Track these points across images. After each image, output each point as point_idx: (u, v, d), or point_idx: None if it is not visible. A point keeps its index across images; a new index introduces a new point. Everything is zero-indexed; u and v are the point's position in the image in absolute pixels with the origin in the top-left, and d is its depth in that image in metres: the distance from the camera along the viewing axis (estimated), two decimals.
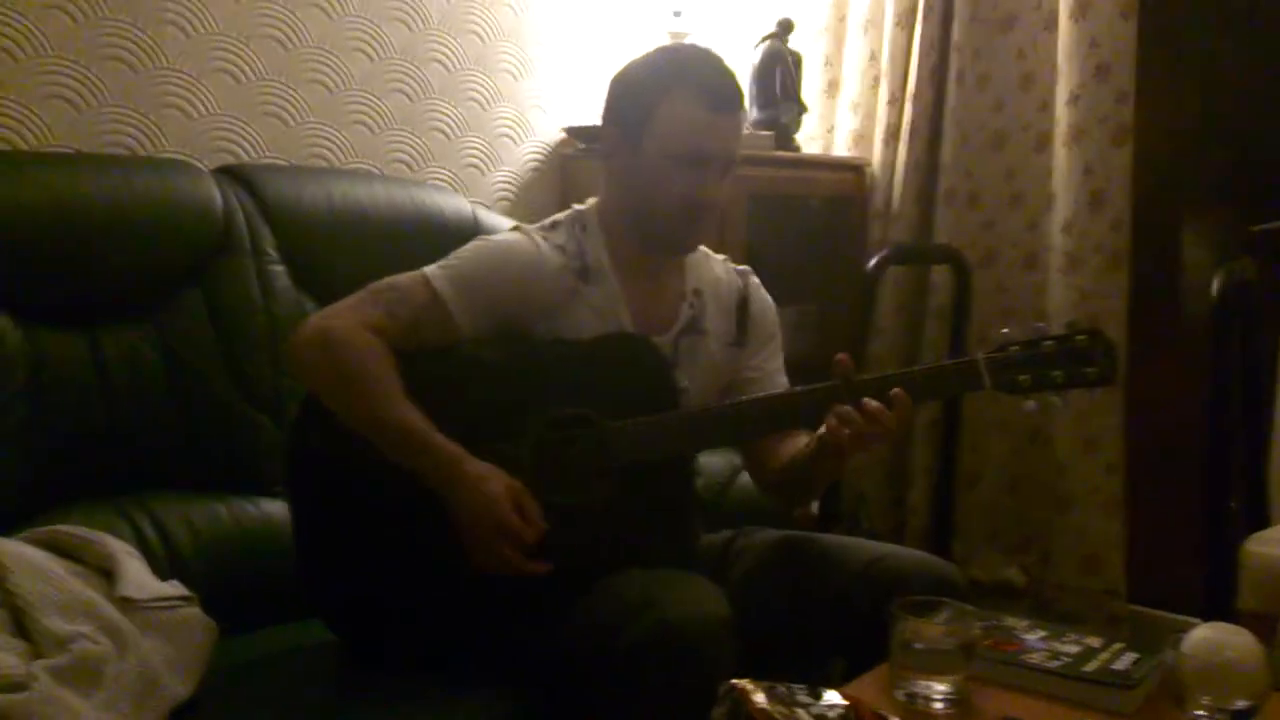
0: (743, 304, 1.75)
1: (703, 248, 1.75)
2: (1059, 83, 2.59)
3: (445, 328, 1.54)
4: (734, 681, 1.12)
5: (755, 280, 1.78)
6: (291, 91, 2.17)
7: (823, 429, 1.50)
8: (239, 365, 1.81)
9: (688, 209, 1.59)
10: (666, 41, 2.58)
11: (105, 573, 1.41)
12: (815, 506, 2.37)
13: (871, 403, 1.45)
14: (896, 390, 1.46)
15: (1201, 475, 2.15)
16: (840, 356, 1.50)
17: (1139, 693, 1.30)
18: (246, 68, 2.11)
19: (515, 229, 1.67)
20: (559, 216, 1.68)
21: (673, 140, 1.57)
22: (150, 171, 1.82)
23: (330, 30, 2.22)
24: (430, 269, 1.57)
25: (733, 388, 1.71)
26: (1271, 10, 2.66)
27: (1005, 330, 1.51)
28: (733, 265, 1.78)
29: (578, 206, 1.70)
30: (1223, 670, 1.22)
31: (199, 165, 1.94)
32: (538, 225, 1.66)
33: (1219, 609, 1.96)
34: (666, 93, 1.57)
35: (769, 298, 1.79)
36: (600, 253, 1.64)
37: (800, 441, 1.63)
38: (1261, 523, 2.15)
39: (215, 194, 1.84)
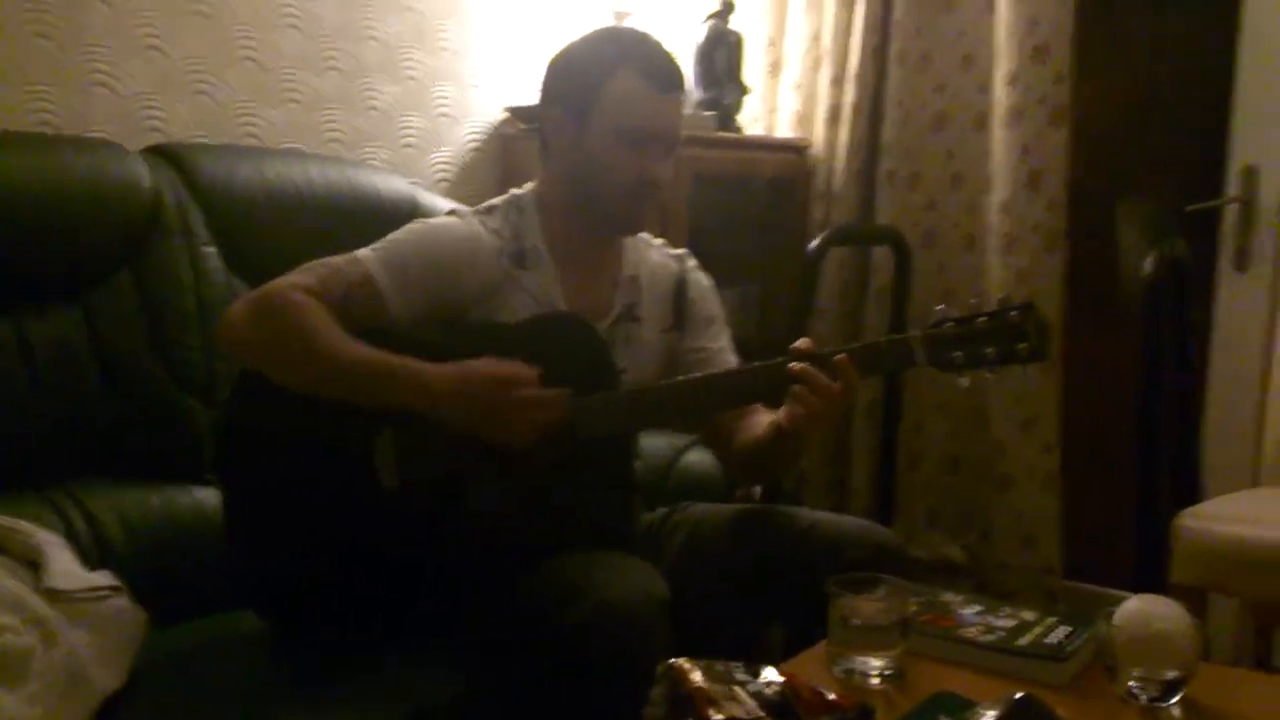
0: (679, 289, 1.75)
1: (644, 234, 1.75)
2: (998, 63, 2.61)
3: (376, 308, 1.52)
4: (672, 661, 1.12)
5: (693, 263, 1.78)
6: (222, 69, 2.13)
7: (779, 415, 1.52)
8: (170, 349, 1.77)
9: (634, 188, 1.60)
10: (610, 20, 2.56)
11: (31, 564, 1.37)
12: (757, 491, 2.38)
13: (818, 376, 1.46)
14: (840, 356, 1.47)
15: (1135, 452, 2.19)
16: (803, 342, 1.51)
17: (1072, 665, 1.31)
18: (176, 45, 2.06)
19: (451, 213, 1.65)
20: (495, 201, 1.67)
21: (620, 118, 1.57)
22: (76, 151, 1.77)
23: (261, 6, 2.17)
24: (364, 250, 1.55)
25: (677, 371, 1.71)
26: None
27: (939, 307, 1.53)
28: (670, 250, 1.78)
29: (515, 191, 1.69)
30: (1154, 642, 1.24)
31: (127, 146, 1.89)
32: (474, 209, 1.65)
33: (1151, 583, 2.00)
34: (613, 72, 1.58)
35: (706, 280, 1.79)
36: (537, 238, 1.63)
37: (762, 421, 1.63)
38: (1193, 498, 2.19)
39: (143, 174, 1.80)
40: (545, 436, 1.44)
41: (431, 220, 1.65)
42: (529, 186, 1.69)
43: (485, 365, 1.43)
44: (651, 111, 1.59)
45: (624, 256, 1.71)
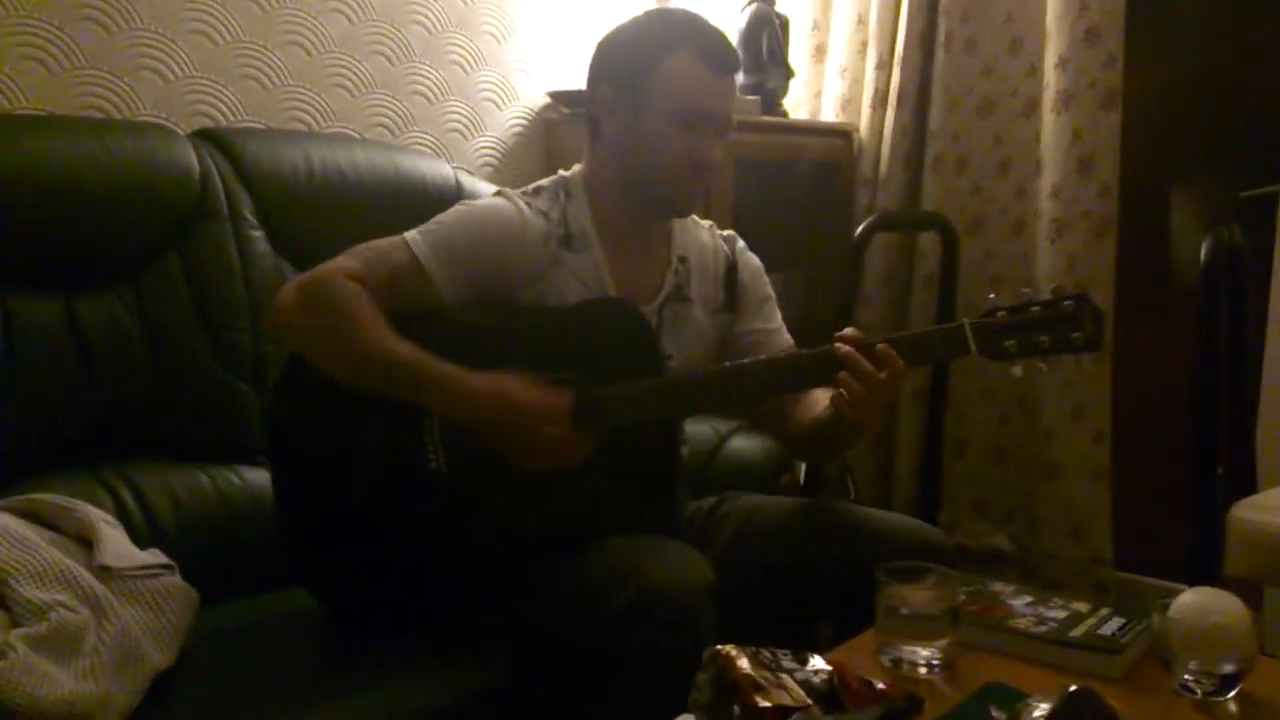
0: (731, 270, 1.73)
1: (691, 215, 1.74)
2: (1047, 46, 2.57)
3: (423, 291, 1.52)
4: (718, 647, 1.11)
5: (742, 245, 1.77)
6: (269, 53, 2.14)
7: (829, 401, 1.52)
8: (218, 331, 1.79)
9: (686, 170, 1.59)
10: (653, 4, 2.55)
11: (84, 541, 1.39)
12: (801, 475, 2.37)
13: (862, 363, 1.44)
14: (880, 345, 1.46)
15: (1188, 442, 2.15)
16: (849, 330, 1.50)
17: (1126, 657, 1.29)
18: (223, 29, 2.07)
19: (499, 194, 1.65)
20: (543, 182, 1.66)
21: (675, 99, 1.56)
22: (126, 135, 1.79)
23: None
24: (411, 233, 1.55)
25: (730, 354, 1.69)
26: None
27: (992, 295, 1.51)
28: (719, 231, 1.77)
29: (563, 172, 1.68)
30: (1210, 635, 1.21)
31: (175, 128, 1.91)
32: (521, 190, 1.64)
33: (1205, 575, 1.96)
34: (669, 51, 1.56)
35: (756, 260, 1.78)
36: (584, 220, 1.62)
37: (821, 399, 1.62)
38: (1248, 489, 2.15)
39: (192, 158, 1.81)
40: (561, 469, 1.44)
41: (478, 202, 1.65)
42: (577, 168, 1.68)
43: (523, 391, 1.43)
44: (708, 93, 1.58)
45: (673, 237, 1.70)
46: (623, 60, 1.61)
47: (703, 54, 1.57)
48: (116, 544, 1.40)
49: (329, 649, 1.51)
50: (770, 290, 1.77)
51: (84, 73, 1.91)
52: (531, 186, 1.65)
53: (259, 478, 1.74)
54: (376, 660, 1.42)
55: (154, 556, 1.44)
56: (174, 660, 1.35)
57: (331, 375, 1.47)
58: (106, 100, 1.94)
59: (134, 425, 1.71)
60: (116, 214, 1.72)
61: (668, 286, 1.67)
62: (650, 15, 1.68)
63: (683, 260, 1.69)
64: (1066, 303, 1.46)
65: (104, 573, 1.34)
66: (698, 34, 1.59)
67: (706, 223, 1.77)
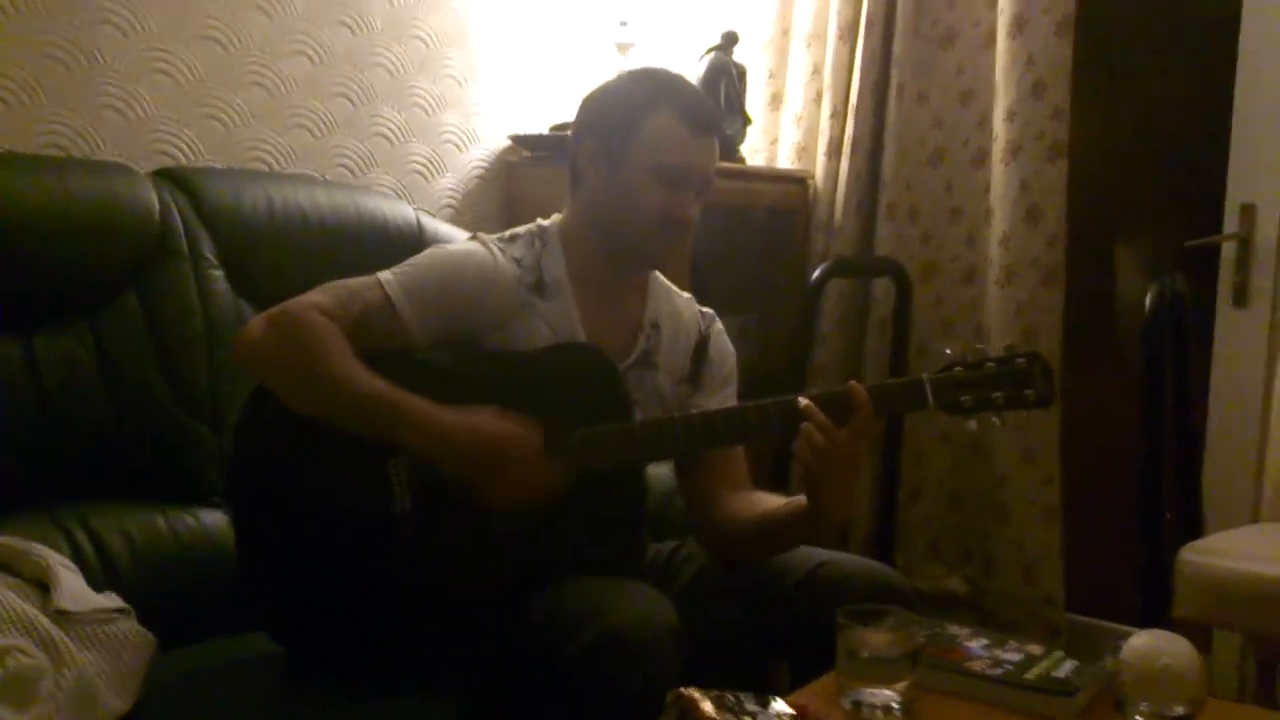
0: (701, 346, 1.75)
1: (670, 284, 1.76)
2: (996, 99, 2.64)
3: (394, 331, 1.52)
4: (681, 690, 1.12)
5: (719, 326, 1.79)
6: (231, 94, 2.14)
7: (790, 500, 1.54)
8: (176, 371, 1.77)
9: (663, 225, 1.60)
10: (612, 52, 2.59)
11: (40, 585, 1.37)
12: None
13: (820, 416, 1.46)
14: (852, 383, 1.48)
15: (1137, 486, 2.19)
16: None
17: (1079, 700, 1.32)
18: (185, 70, 2.08)
19: (473, 238, 1.66)
20: (519, 230, 1.67)
21: (656, 154, 1.58)
22: (86, 173, 1.78)
23: (271, 33, 2.19)
24: (384, 273, 1.56)
25: None
26: (1204, 28, 2.74)
27: (948, 351, 1.56)
28: (698, 306, 1.79)
29: (541, 221, 1.69)
30: (1161, 677, 1.25)
31: (136, 168, 1.90)
32: (496, 236, 1.65)
33: (1155, 618, 2.00)
34: (653, 109, 1.59)
35: (729, 344, 1.79)
36: (559, 270, 1.63)
37: (766, 499, 1.64)
38: (1196, 532, 2.20)
39: (152, 197, 1.80)
40: (536, 503, 1.44)
41: (452, 246, 1.66)
42: (555, 218, 1.69)
43: (493, 422, 1.44)
44: (687, 151, 1.60)
45: (647, 300, 1.72)
46: (607, 116, 1.64)
47: (684, 114, 1.59)
48: (73, 587, 1.38)
49: (289, 692, 1.49)
50: (734, 375, 1.78)
51: (45, 111, 1.91)
52: (508, 233, 1.66)
53: (216, 520, 1.73)
54: (338, 702, 1.41)
55: (110, 600, 1.42)
56: (131, 706, 1.33)
57: (296, 408, 1.46)
58: (67, 139, 1.93)
59: (90, 466, 1.69)
60: (76, 252, 1.71)
61: (638, 349, 1.68)
62: (635, 74, 1.72)
63: (655, 326, 1.71)
64: (1019, 360, 1.51)
65: (61, 617, 1.32)
66: (681, 94, 1.62)
67: (686, 295, 1.78)
